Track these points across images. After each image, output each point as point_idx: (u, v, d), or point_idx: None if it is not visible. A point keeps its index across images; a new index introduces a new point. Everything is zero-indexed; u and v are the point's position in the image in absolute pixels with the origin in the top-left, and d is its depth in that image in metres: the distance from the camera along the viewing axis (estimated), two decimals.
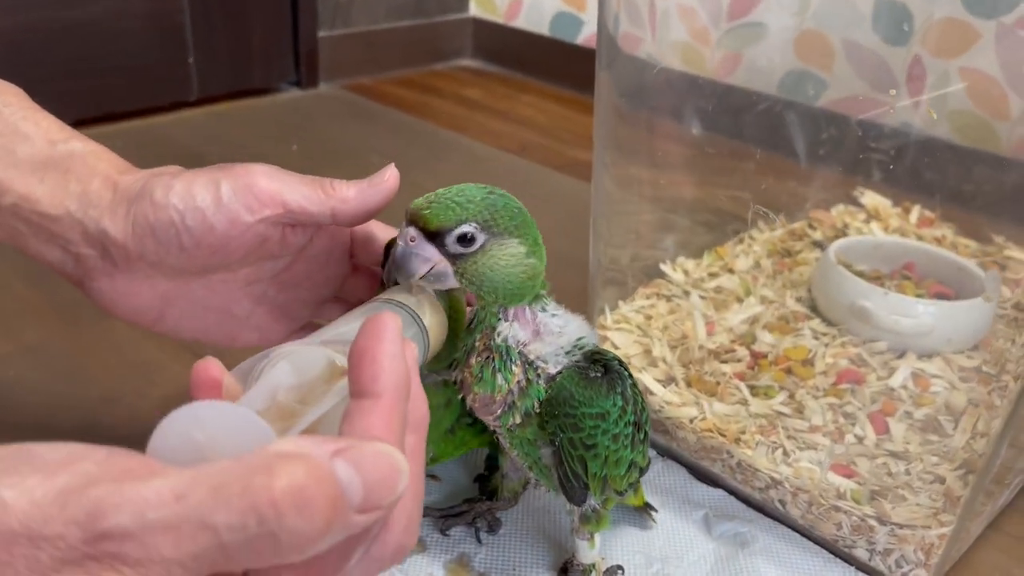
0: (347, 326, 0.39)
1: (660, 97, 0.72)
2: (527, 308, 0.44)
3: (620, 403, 0.44)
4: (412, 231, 0.42)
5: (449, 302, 0.47)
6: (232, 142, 1.19)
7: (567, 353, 0.44)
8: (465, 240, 0.41)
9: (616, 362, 0.45)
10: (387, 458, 0.26)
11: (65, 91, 1.15)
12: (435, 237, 0.41)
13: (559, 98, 1.44)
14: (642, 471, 0.49)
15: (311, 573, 0.27)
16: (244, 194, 0.43)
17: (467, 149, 1.20)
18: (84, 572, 0.22)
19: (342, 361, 0.33)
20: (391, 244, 0.47)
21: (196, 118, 1.28)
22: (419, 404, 0.32)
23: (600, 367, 0.44)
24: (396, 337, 0.29)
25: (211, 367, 0.32)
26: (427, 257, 0.42)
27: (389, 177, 0.46)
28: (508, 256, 0.42)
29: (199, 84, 1.31)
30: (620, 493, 0.48)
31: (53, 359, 0.69)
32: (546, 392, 0.43)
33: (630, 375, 0.46)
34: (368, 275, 0.53)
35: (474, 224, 0.41)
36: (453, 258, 0.42)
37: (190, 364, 0.32)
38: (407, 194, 0.45)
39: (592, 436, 0.43)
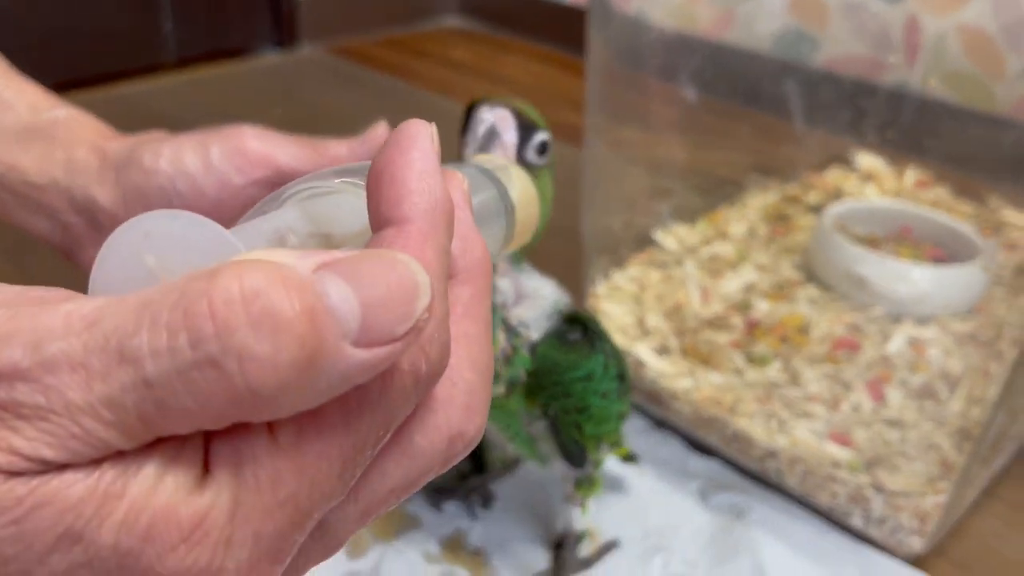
0: None
1: (653, 59, 0.70)
2: (509, 265, 0.43)
3: (603, 360, 0.43)
4: (508, 112, 0.39)
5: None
6: (212, 106, 1.16)
7: (548, 318, 0.43)
8: (540, 150, 0.40)
9: (591, 321, 0.44)
10: (398, 266, 0.18)
11: (39, 57, 1.12)
12: (524, 130, 0.39)
13: (545, 58, 1.42)
14: (624, 416, 0.48)
15: (309, 457, 0.18)
16: (234, 156, 0.43)
17: (454, 113, 1.17)
18: None
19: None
20: (468, 110, 0.43)
21: (174, 82, 1.25)
22: (473, 248, 0.23)
23: (579, 327, 0.44)
24: (428, 149, 0.21)
25: None
26: (506, 142, 0.39)
27: (380, 135, 0.45)
28: (550, 190, 0.41)
29: (176, 47, 1.28)
30: (614, 445, 0.48)
31: None
32: (531, 362, 0.42)
33: (605, 330, 0.45)
34: None
35: (550, 137, 0.40)
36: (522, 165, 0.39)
37: None
38: None
39: (583, 399, 0.43)
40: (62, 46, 1.18)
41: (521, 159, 0.40)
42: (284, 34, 1.39)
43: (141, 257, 0.18)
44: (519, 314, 0.42)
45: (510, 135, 0.39)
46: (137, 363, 0.16)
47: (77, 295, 0.18)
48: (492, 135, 0.39)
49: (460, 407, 0.21)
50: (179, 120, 1.10)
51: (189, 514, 0.17)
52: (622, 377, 0.46)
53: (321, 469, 0.18)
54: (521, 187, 0.34)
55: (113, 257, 0.18)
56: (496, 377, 0.42)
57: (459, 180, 0.24)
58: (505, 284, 0.42)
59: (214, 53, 1.33)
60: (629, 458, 0.54)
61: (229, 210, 0.44)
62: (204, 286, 0.16)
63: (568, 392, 0.42)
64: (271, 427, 0.18)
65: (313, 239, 0.22)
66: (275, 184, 0.45)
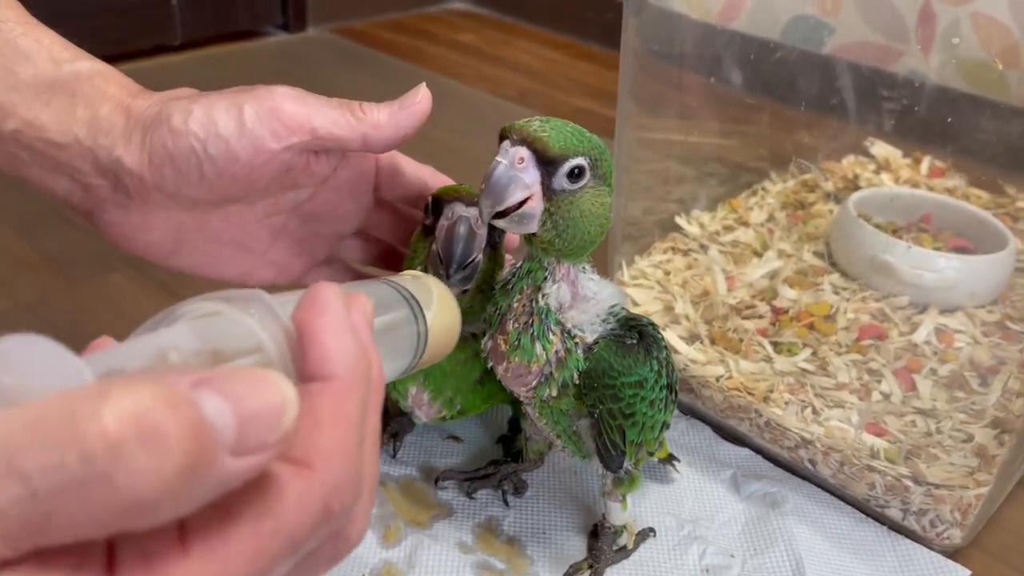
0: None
1: (677, 47, 0.69)
2: (571, 268, 0.41)
3: (656, 367, 0.43)
4: (524, 152, 0.37)
5: (493, 257, 0.45)
6: (218, 86, 1.15)
7: (603, 321, 0.42)
8: (574, 175, 0.38)
9: (650, 327, 0.43)
10: (266, 382, 0.20)
11: None
12: (547, 164, 0.37)
13: (555, 43, 1.40)
14: (668, 426, 0.48)
15: (214, 566, 0.20)
16: (269, 119, 0.40)
17: (465, 96, 1.16)
18: None
19: (262, 333, 0.25)
20: (439, 201, 0.44)
21: (180, 63, 1.23)
22: (377, 377, 0.27)
23: (635, 333, 0.43)
24: (339, 309, 0.25)
25: (104, 344, 0.26)
26: (528, 184, 0.37)
27: (422, 99, 0.42)
28: (600, 204, 0.39)
29: (183, 28, 1.26)
30: (651, 453, 0.48)
31: (51, 315, 0.66)
32: (585, 363, 0.41)
33: (662, 337, 0.44)
34: (391, 211, 0.51)
35: (587, 159, 0.38)
36: (552, 193, 0.38)
37: None
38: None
39: (631, 405, 0.42)
40: (68, 25, 1.15)
41: (552, 192, 0.38)
42: (291, 16, 1.37)
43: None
44: (574, 317, 0.41)
45: (530, 174, 0.37)
46: (26, 477, 0.17)
47: None
48: (510, 180, 0.37)
49: (364, 514, 0.25)
50: None
51: None
52: (671, 388, 0.45)
53: None
54: (441, 307, 0.36)
55: None
56: (549, 379, 0.42)
57: (362, 304, 0.27)
58: (563, 287, 0.41)
59: (221, 35, 1.31)
60: (669, 459, 0.54)
61: (260, 176, 0.41)
62: (94, 406, 0.17)
63: (618, 396, 0.41)
64: (181, 536, 0.20)
65: (199, 356, 0.24)
66: (312, 150, 0.43)
